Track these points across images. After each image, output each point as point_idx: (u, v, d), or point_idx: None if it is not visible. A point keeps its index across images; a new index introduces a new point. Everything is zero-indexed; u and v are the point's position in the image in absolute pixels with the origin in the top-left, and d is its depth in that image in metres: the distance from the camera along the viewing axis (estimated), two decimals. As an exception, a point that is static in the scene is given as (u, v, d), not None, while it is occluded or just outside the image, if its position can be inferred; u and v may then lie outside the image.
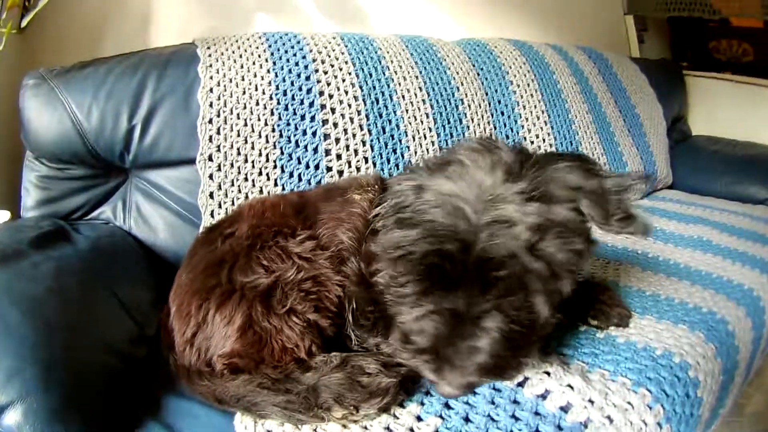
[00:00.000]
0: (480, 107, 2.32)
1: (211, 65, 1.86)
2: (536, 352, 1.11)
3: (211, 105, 1.81)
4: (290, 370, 1.18)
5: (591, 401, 1.15)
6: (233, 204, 1.79)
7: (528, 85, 2.56)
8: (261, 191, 1.83)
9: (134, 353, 1.37)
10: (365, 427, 1.09)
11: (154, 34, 2.19)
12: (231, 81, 1.86)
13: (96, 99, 1.70)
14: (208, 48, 1.91)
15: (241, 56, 1.94)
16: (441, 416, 1.12)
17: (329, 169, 1.91)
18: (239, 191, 1.81)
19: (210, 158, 1.79)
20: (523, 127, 2.45)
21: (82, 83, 1.71)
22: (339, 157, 1.92)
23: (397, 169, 1.99)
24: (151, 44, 2.13)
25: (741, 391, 1.88)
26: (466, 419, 1.12)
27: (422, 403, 1.16)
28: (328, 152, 1.91)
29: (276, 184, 1.85)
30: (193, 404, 1.22)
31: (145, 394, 1.28)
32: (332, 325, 1.28)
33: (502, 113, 2.42)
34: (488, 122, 2.34)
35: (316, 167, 1.89)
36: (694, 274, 1.85)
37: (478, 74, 2.42)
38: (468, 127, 2.24)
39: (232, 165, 1.81)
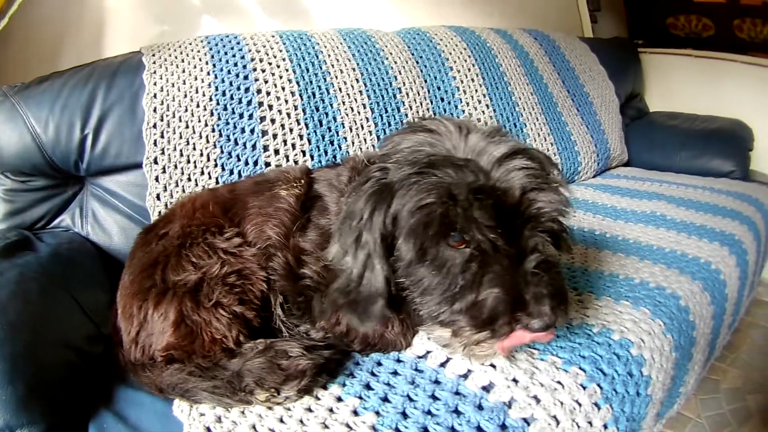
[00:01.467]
0: (419, 95, 2.34)
1: (155, 71, 1.88)
2: None
3: (155, 110, 1.83)
4: (219, 358, 1.23)
5: (515, 380, 1.13)
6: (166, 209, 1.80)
7: (468, 69, 2.56)
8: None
9: (91, 350, 1.44)
10: (288, 409, 1.13)
11: (108, 44, 2.21)
12: (173, 85, 1.88)
13: (52, 112, 1.75)
14: (153, 55, 1.93)
15: (183, 60, 1.95)
16: (360, 397, 1.13)
17: (268, 164, 1.91)
18: (183, 191, 1.83)
19: (155, 161, 1.81)
20: (464, 111, 2.45)
21: (39, 97, 1.75)
22: (277, 152, 1.93)
23: (335, 160, 2.00)
24: (105, 54, 2.14)
25: (707, 368, 1.85)
26: (385, 399, 1.12)
27: (344, 385, 1.18)
28: (266, 148, 1.92)
29: (217, 183, 1.86)
30: (140, 394, 1.28)
31: (100, 387, 1.34)
32: (258, 317, 1.31)
33: (442, 99, 2.42)
34: (427, 109, 2.34)
35: (255, 163, 1.90)
36: (644, 248, 1.83)
37: (417, 62, 2.43)
38: (406, 114, 2.24)
39: (175, 166, 1.83)
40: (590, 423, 1.13)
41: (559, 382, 1.14)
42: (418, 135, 1.13)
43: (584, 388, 1.15)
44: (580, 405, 1.12)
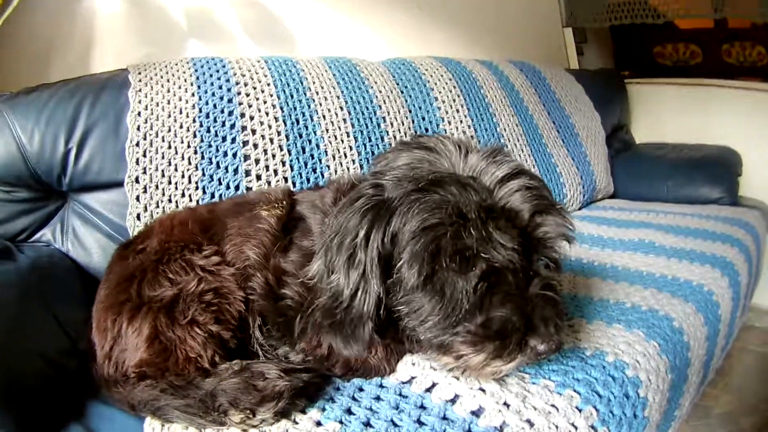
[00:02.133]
0: (403, 124, 2.34)
1: (140, 90, 1.88)
2: None
3: (138, 128, 1.82)
4: (193, 377, 1.20)
5: (506, 404, 1.09)
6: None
7: (453, 100, 2.58)
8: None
9: (66, 364, 1.41)
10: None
11: (96, 60, 2.23)
12: (158, 105, 1.87)
13: (38, 123, 1.74)
14: (139, 73, 1.93)
15: (168, 80, 1.95)
16: (341, 421, 1.09)
17: (249, 189, 1.90)
18: (164, 212, 1.80)
19: (137, 180, 1.80)
20: (448, 141, 2.44)
21: (26, 107, 1.74)
22: (259, 177, 1.93)
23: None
24: (93, 70, 2.15)
25: (701, 392, 1.84)
26: (367, 424, 1.08)
27: (323, 409, 1.14)
28: (248, 173, 1.92)
29: (198, 204, 1.83)
30: (113, 410, 1.27)
31: (72, 401, 1.33)
32: (234, 338, 1.30)
33: (426, 129, 2.42)
34: (411, 139, 2.34)
35: (237, 188, 1.89)
36: (633, 274, 1.82)
37: (402, 92, 2.43)
38: (390, 144, 2.24)
39: (157, 186, 1.81)
40: None
41: (553, 405, 1.11)
42: (415, 152, 1.12)
43: (580, 410, 1.13)
44: (576, 428, 1.09)
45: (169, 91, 1.91)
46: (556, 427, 1.07)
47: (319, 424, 1.09)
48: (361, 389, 1.21)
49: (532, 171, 1.09)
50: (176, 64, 2.03)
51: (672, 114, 3.68)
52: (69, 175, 1.78)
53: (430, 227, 0.99)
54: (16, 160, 1.71)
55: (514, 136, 2.73)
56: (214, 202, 1.76)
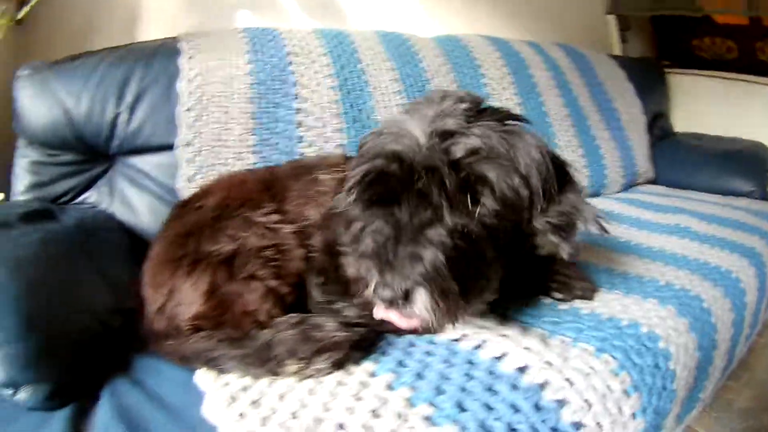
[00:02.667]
0: None
1: (192, 57, 1.91)
2: (482, 303, 1.17)
3: (190, 94, 1.85)
4: (249, 329, 1.23)
5: (549, 363, 1.14)
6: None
7: (502, 78, 2.58)
8: (231, 173, 1.87)
9: (111, 322, 1.41)
10: (319, 381, 1.12)
11: (141, 30, 2.25)
12: (211, 72, 1.90)
13: (85, 88, 1.76)
14: (190, 41, 1.96)
15: (221, 49, 1.98)
16: (394, 372, 1.13)
17: (302, 154, 1.94)
18: (217, 174, 1.82)
19: (189, 144, 1.83)
20: (496, 119, 2.47)
21: (72, 73, 1.76)
22: (312, 144, 1.97)
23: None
24: (138, 39, 2.17)
25: (724, 379, 1.88)
26: (419, 375, 1.12)
27: (377, 362, 1.18)
28: (301, 139, 1.96)
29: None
30: (159, 363, 1.28)
31: (117, 357, 1.34)
32: (291, 294, 1.32)
33: (474, 105, 2.43)
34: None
35: (290, 153, 1.93)
36: (668, 256, 1.85)
37: (452, 68, 2.45)
38: None
39: (211, 149, 1.85)
40: (620, 410, 1.14)
41: (591, 368, 1.16)
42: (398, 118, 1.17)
43: (616, 375, 1.17)
44: (611, 391, 1.14)
45: (222, 59, 1.95)
46: (594, 388, 1.12)
47: (373, 374, 1.13)
48: (412, 344, 1.25)
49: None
50: (229, 33, 2.07)
51: (709, 105, 3.68)
52: (118, 138, 1.81)
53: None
54: (61, 124, 1.73)
55: (560, 117, 2.74)
56: (272, 166, 1.79)
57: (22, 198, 1.76)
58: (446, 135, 1.06)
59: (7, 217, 1.43)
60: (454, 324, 1.11)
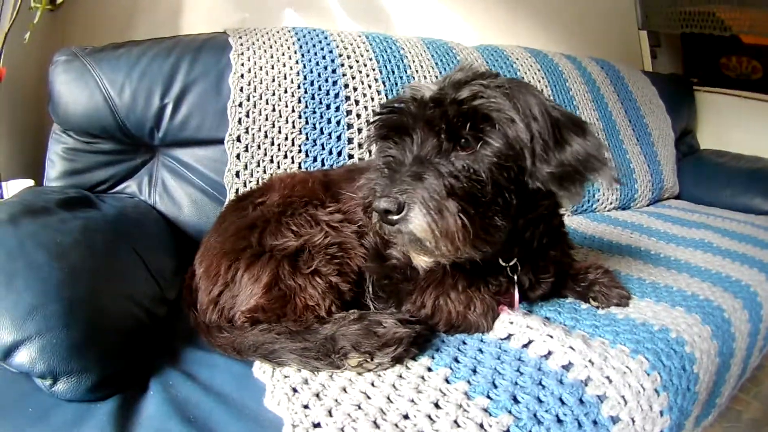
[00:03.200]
0: None
1: (242, 53, 1.96)
2: (487, 245, 1.17)
3: (241, 90, 1.91)
4: (310, 323, 1.27)
5: (591, 362, 1.23)
6: (257, 184, 1.87)
7: (541, 90, 2.51)
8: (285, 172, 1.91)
9: (156, 311, 1.43)
10: (379, 375, 1.18)
11: (184, 22, 2.31)
12: (261, 69, 1.96)
13: (129, 77, 1.80)
14: (240, 38, 2.02)
15: (271, 47, 2.04)
16: (450, 367, 1.20)
17: (351, 156, 2.01)
18: (264, 172, 1.91)
19: (238, 139, 1.89)
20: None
21: (115, 62, 1.80)
22: (361, 145, 2.02)
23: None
24: (181, 31, 2.23)
25: (737, 387, 1.94)
26: (474, 371, 1.20)
27: (433, 357, 1.25)
28: (350, 140, 2.02)
29: (300, 168, 1.95)
30: (212, 356, 1.30)
31: (164, 346, 1.35)
32: (351, 290, 1.38)
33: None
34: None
35: (339, 154, 2.00)
36: (693, 269, 1.94)
37: (495, 77, 2.50)
38: None
39: (259, 147, 1.91)
40: (651, 407, 1.23)
41: (628, 367, 1.25)
42: None
43: (648, 374, 1.26)
44: (644, 389, 1.23)
45: (272, 56, 2.00)
46: (629, 386, 1.21)
47: (430, 369, 1.20)
48: (464, 342, 1.33)
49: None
50: (278, 32, 2.12)
51: (734, 124, 3.74)
52: (163, 129, 1.86)
53: None
54: (101, 112, 1.76)
55: (595, 129, 2.75)
56: (326, 169, 1.86)
57: (55, 184, 1.79)
58: (457, 84, 1.15)
59: (45, 202, 1.43)
60: (456, 253, 1.12)
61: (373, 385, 1.14)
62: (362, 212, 1.19)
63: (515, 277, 1.38)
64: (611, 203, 2.81)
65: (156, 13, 2.27)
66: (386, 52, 2.23)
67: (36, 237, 1.23)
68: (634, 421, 1.18)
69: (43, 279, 1.13)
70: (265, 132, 1.92)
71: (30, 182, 1.75)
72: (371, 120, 1.23)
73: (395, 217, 1.07)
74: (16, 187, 1.69)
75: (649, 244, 2.23)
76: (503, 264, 1.34)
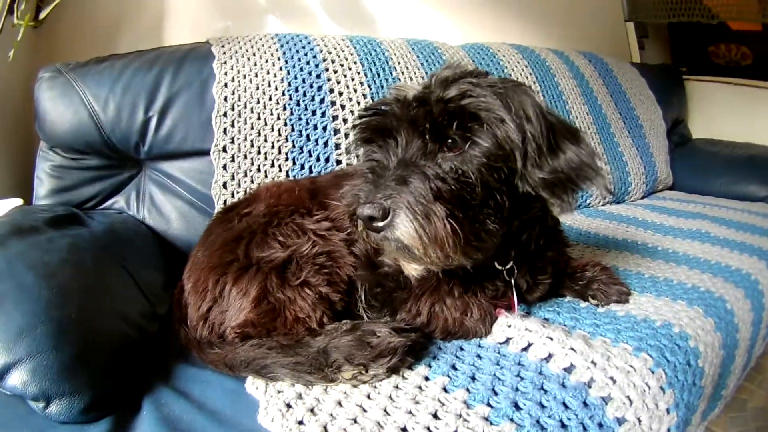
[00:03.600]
0: None
1: (225, 62, 1.94)
2: (479, 250, 1.14)
3: (225, 99, 1.88)
4: (301, 336, 1.24)
5: (594, 363, 1.20)
6: (245, 193, 1.85)
7: (529, 86, 2.54)
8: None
9: (146, 328, 1.40)
10: (374, 387, 1.15)
11: (167, 33, 2.30)
12: (245, 77, 1.94)
13: (113, 91, 1.77)
14: (223, 46, 1.99)
15: (254, 54, 2.01)
16: (448, 375, 1.18)
17: (339, 162, 1.99)
18: (252, 181, 1.88)
19: (224, 149, 1.87)
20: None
21: (98, 76, 1.78)
22: (348, 151, 1.98)
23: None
24: (164, 42, 2.22)
25: (742, 378, 1.92)
26: (473, 378, 1.17)
27: (429, 366, 1.22)
28: (338, 146, 2.00)
29: (288, 176, 1.92)
30: (204, 372, 1.28)
31: (156, 364, 1.33)
32: (342, 300, 1.35)
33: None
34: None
35: (326, 160, 1.97)
36: (692, 260, 1.92)
37: (482, 76, 2.49)
38: None
39: (245, 156, 1.88)
40: (657, 405, 1.20)
41: (631, 366, 1.22)
42: None
43: (652, 372, 1.24)
44: (649, 387, 1.20)
45: (256, 64, 1.98)
46: (634, 385, 1.18)
47: (427, 378, 1.17)
48: (461, 349, 1.30)
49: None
50: (261, 39, 2.09)
51: (725, 111, 3.74)
52: (148, 142, 1.83)
53: None
54: (87, 127, 1.74)
55: (585, 124, 2.79)
56: (314, 176, 1.84)
57: (44, 203, 1.77)
58: (445, 82, 1.12)
59: (33, 222, 1.42)
60: (447, 260, 1.09)
61: (369, 397, 1.11)
62: (348, 220, 1.18)
63: (512, 281, 1.35)
64: (605, 198, 2.77)
65: (139, 24, 2.26)
66: (371, 54, 2.21)
67: (24, 257, 1.23)
68: (640, 421, 1.16)
69: (33, 300, 1.12)
70: (251, 141, 1.90)
71: (19, 201, 1.72)
72: (354, 123, 1.20)
73: (380, 224, 1.05)
74: (4, 206, 1.66)
75: (645, 237, 2.22)
76: (499, 267, 1.31)
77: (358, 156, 1.74)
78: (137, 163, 1.89)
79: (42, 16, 1.84)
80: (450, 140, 1.10)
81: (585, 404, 1.12)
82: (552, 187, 1.13)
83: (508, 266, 1.32)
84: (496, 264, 1.31)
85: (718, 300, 1.61)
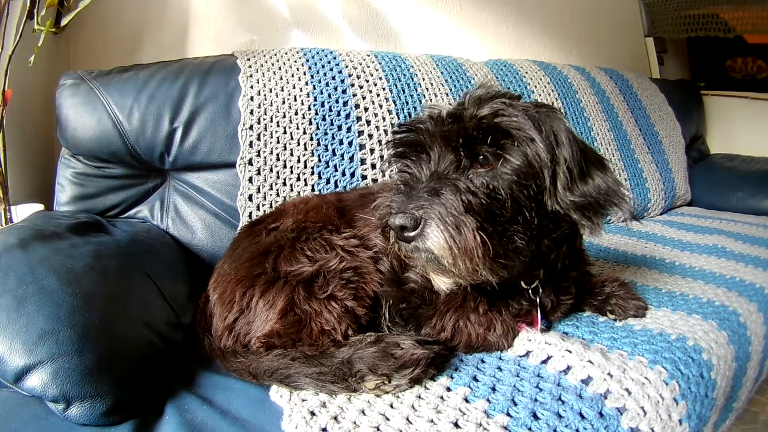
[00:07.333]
0: None
1: (251, 75, 1.97)
2: (508, 265, 1.18)
3: (251, 112, 1.91)
4: (326, 347, 1.27)
5: (610, 374, 1.23)
6: (271, 206, 1.88)
7: (552, 103, 2.63)
8: (298, 195, 1.91)
9: (171, 336, 1.43)
10: (397, 396, 1.17)
11: (191, 45, 2.33)
12: (271, 91, 1.96)
13: (137, 101, 1.80)
14: (248, 59, 2.03)
15: (280, 68, 2.04)
16: (470, 386, 1.21)
17: (364, 177, 2.01)
18: (277, 195, 1.91)
19: (250, 162, 1.89)
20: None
21: (122, 85, 1.81)
22: (374, 166, 2.02)
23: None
24: (187, 54, 2.26)
25: (754, 390, 1.94)
26: (493, 389, 1.20)
27: (451, 377, 1.26)
28: (363, 161, 2.02)
29: (313, 190, 1.95)
30: (229, 379, 1.31)
31: (180, 371, 1.36)
32: (367, 315, 1.38)
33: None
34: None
35: (352, 175, 2.00)
36: (708, 275, 1.95)
37: (505, 92, 2.52)
38: None
39: (271, 170, 1.91)
40: (670, 416, 1.23)
41: (646, 378, 1.26)
42: None
43: (667, 384, 1.27)
44: (663, 399, 1.23)
45: (281, 78, 2.01)
46: (648, 396, 1.22)
47: (449, 389, 1.20)
48: (483, 361, 1.34)
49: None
50: (286, 53, 2.12)
51: (742, 126, 3.76)
52: (174, 153, 1.86)
53: None
54: (111, 136, 1.76)
55: (606, 140, 2.81)
56: (339, 192, 1.85)
57: (65, 209, 1.79)
58: (478, 101, 1.17)
59: (56, 227, 1.45)
60: (475, 273, 1.12)
61: (392, 406, 1.14)
62: (380, 232, 1.21)
63: (538, 299, 1.38)
64: (630, 221, 2.74)
65: (162, 36, 2.28)
66: (396, 70, 2.23)
67: (47, 262, 1.25)
68: (653, 431, 1.19)
69: (56, 304, 1.14)
70: (277, 155, 1.92)
71: (40, 206, 1.76)
72: (387, 140, 1.25)
73: (412, 234, 1.09)
74: (25, 211, 1.70)
75: (663, 253, 2.25)
76: (525, 287, 1.35)
77: (383, 172, 1.79)
78: (162, 173, 1.92)
79: (64, 22, 1.86)
80: (482, 156, 1.14)
81: (601, 414, 1.15)
82: (582, 209, 1.17)
83: (533, 285, 1.35)
84: (522, 283, 1.34)
85: (732, 314, 1.65)
